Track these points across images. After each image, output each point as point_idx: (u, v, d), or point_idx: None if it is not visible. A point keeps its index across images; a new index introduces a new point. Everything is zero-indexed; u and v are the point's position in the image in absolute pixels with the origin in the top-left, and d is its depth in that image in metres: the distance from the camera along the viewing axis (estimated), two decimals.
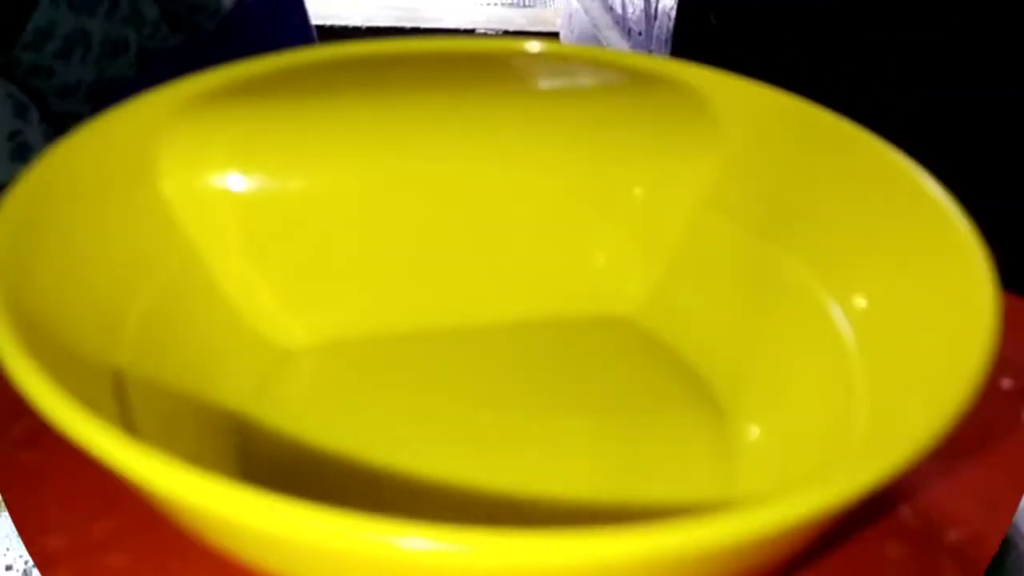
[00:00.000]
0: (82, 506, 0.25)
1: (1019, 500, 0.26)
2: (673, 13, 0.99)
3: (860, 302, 0.25)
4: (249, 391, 0.29)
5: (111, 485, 0.26)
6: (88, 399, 0.17)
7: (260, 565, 0.18)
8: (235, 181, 0.29)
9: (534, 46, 0.32)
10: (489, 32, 1.56)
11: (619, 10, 1.27)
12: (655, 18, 1.06)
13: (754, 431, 0.27)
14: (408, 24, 1.58)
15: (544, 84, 0.32)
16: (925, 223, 0.24)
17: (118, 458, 0.16)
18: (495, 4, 1.63)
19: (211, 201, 0.29)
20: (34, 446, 0.27)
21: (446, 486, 0.25)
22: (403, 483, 0.25)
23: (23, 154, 0.43)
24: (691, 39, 0.99)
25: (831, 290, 0.26)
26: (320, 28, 0.68)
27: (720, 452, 0.27)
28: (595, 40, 1.37)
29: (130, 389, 0.23)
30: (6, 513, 0.26)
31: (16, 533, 0.24)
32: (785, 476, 0.25)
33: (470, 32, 1.57)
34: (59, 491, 0.26)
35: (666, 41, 1.02)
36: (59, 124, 0.48)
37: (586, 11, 1.41)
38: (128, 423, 0.22)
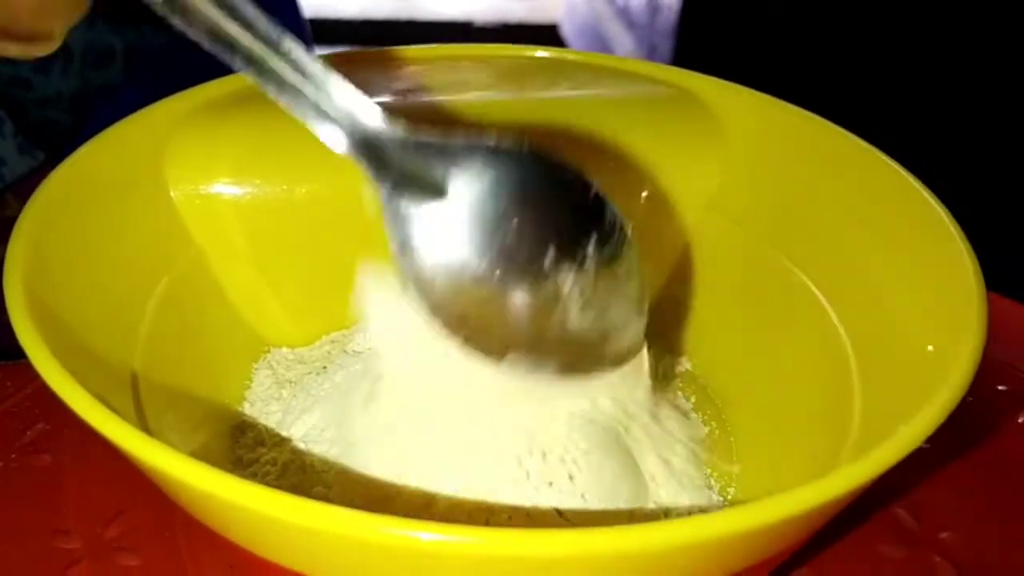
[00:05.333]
0: (96, 509, 0.26)
1: (1013, 501, 0.27)
2: (677, 5, 0.99)
3: (855, 306, 0.25)
4: (248, 389, 0.29)
5: (123, 488, 0.26)
6: (114, 401, 0.18)
7: (270, 554, 0.18)
8: (239, 188, 0.30)
9: (541, 52, 0.32)
10: (487, 25, 1.55)
11: (621, 1, 1.26)
12: (659, 10, 1.06)
13: (752, 433, 0.27)
14: (404, 16, 1.57)
15: (551, 90, 0.32)
16: (919, 232, 0.24)
17: (158, 465, 0.16)
18: None
19: (216, 207, 0.29)
20: (46, 450, 0.28)
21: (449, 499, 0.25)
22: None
23: None
24: (697, 31, 0.99)
25: (828, 294, 0.26)
26: (314, 22, 0.68)
27: (719, 453, 0.27)
28: (597, 31, 1.36)
29: (143, 386, 0.24)
30: None
31: None
32: (781, 476, 0.25)
33: (467, 25, 1.56)
34: (73, 494, 0.26)
35: (671, 33, 1.02)
36: (39, 132, 0.48)
37: (588, 2, 1.40)
38: (142, 419, 0.22)
